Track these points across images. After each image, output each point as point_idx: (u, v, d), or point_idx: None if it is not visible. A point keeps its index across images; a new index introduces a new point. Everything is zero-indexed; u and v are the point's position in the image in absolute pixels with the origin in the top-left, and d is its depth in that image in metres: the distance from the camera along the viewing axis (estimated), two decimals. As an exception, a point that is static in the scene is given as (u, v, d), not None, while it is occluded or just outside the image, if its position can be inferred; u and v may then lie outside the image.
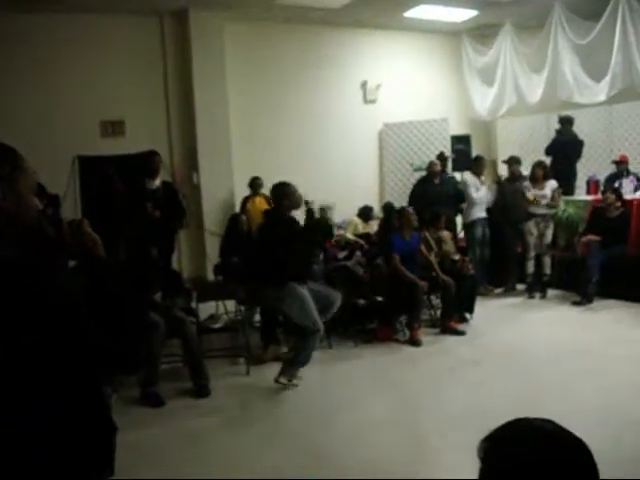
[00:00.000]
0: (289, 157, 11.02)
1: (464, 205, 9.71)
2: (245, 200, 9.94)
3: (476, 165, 9.87)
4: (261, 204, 9.40)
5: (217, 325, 7.00)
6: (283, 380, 6.05)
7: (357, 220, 9.98)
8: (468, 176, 9.88)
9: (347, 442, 4.86)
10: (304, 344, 6.03)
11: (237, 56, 10.82)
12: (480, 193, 9.58)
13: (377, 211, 10.52)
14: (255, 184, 9.88)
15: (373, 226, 9.72)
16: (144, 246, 6.59)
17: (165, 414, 5.59)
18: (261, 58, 11.08)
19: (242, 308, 7.71)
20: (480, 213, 9.62)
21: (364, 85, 12.15)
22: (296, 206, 6.19)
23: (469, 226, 9.73)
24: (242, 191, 10.16)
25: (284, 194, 6.06)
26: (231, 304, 7.64)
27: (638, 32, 9.61)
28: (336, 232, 9.13)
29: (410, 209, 7.98)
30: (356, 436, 4.96)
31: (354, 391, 5.98)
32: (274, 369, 6.25)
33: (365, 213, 10.11)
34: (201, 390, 5.99)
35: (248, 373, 6.56)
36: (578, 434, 1.44)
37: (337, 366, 6.79)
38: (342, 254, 8.53)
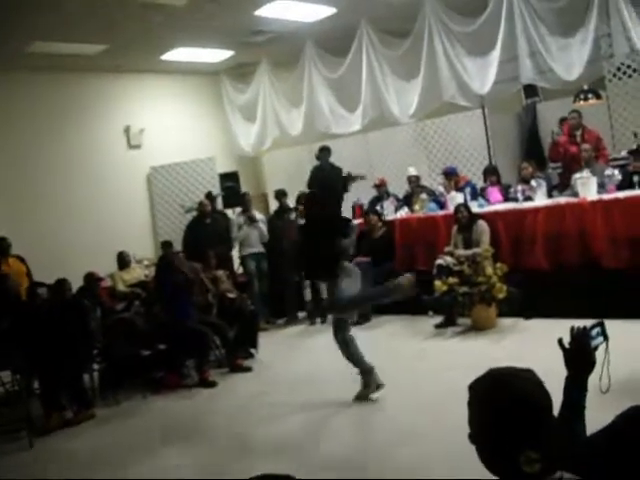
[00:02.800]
0: (53, 208, 10.61)
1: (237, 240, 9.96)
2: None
3: (242, 202, 10.24)
4: (16, 265, 8.81)
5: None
6: (370, 393, 6.02)
7: (117, 273, 9.41)
8: (234, 215, 10.24)
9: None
10: (347, 350, 6.10)
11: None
12: (242, 232, 9.97)
13: (152, 255, 10.38)
14: (2, 246, 9.11)
15: (137, 271, 9.55)
16: None
17: None
18: (14, 109, 10.55)
19: (18, 377, 7.20)
20: (250, 248, 9.95)
21: (127, 130, 11.94)
22: None
23: (242, 261, 10.06)
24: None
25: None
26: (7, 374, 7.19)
27: (382, 66, 10.32)
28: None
29: (181, 255, 7.98)
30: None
31: (146, 444, 5.83)
32: (61, 438, 5.97)
33: (120, 261, 9.57)
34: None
35: (32, 446, 6.14)
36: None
37: (128, 423, 6.57)
38: (120, 306, 8.32)
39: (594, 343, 2.20)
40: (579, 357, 2.16)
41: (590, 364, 2.17)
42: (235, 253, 10.30)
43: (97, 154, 11.48)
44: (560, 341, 2.20)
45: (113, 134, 11.80)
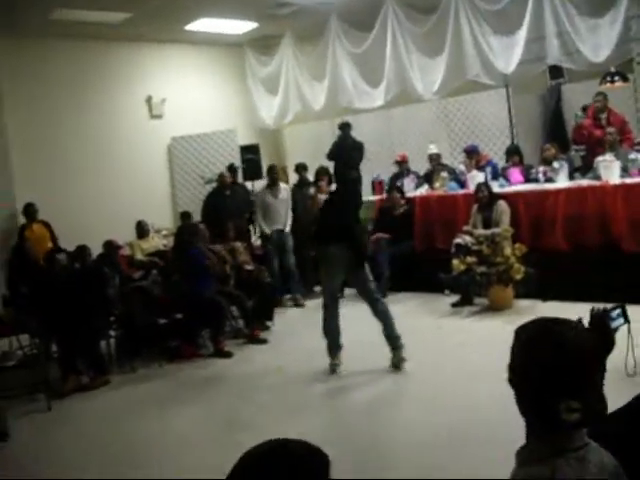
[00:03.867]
0: (76, 176, 10.71)
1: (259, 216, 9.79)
2: (22, 229, 9.42)
3: (270, 175, 9.92)
4: (40, 231, 8.94)
5: (11, 363, 6.59)
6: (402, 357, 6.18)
7: (135, 241, 9.41)
8: (259, 190, 10.04)
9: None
10: (384, 319, 6.26)
11: (13, 74, 10.29)
12: (266, 207, 9.66)
13: (171, 225, 10.42)
14: (29, 211, 9.37)
15: (155, 240, 9.60)
16: None
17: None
18: (40, 75, 10.57)
19: (37, 341, 7.31)
20: (274, 225, 9.61)
21: (149, 100, 11.97)
22: None
23: (264, 238, 9.78)
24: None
25: None
26: (25, 337, 7.25)
27: (406, 42, 10.22)
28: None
29: (202, 226, 8.00)
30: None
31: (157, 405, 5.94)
32: (77, 401, 6.08)
33: (139, 231, 9.59)
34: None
35: (50, 409, 6.22)
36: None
37: (141, 387, 6.68)
38: (138, 274, 8.37)
39: (614, 324, 2.18)
40: (598, 337, 2.14)
41: (610, 344, 2.15)
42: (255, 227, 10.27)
43: (119, 123, 11.55)
44: (579, 321, 2.19)
45: (135, 103, 11.84)
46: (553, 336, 1.64)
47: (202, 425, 5.58)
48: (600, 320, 2.16)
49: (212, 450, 4.89)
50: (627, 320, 2.24)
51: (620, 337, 2.22)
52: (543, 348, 1.62)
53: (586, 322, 2.17)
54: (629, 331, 2.24)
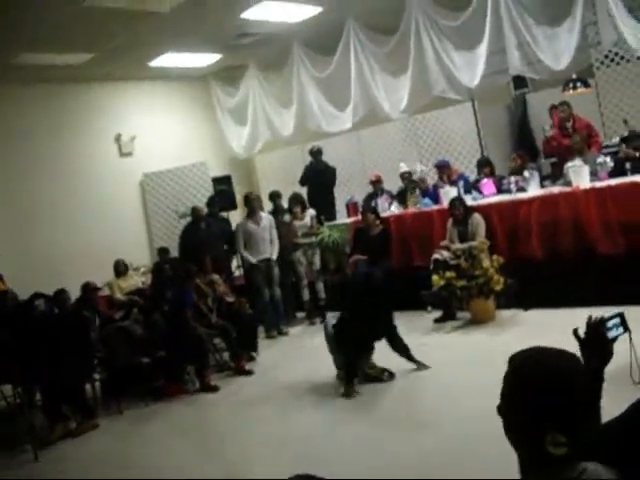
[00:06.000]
0: (45, 220, 10.69)
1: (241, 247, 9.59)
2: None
3: (248, 204, 9.60)
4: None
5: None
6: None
7: (114, 281, 9.29)
8: (241, 220, 9.87)
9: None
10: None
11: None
12: (248, 237, 9.37)
13: (148, 262, 10.37)
14: None
15: (134, 278, 9.53)
16: None
17: None
18: (4, 122, 10.53)
19: (19, 390, 7.18)
20: (260, 254, 9.33)
21: (118, 138, 11.96)
22: None
23: (249, 269, 9.54)
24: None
25: None
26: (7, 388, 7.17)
27: (370, 63, 10.31)
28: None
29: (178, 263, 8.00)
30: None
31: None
32: (66, 448, 5.97)
33: (117, 269, 9.43)
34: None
35: (37, 459, 6.09)
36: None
37: (131, 430, 6.58)
38: (118, 314, 8.30)
39: (612, 334, 2.16)
40: (595, 348, 2.13)
41: (607, 355, 2.14)
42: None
43: (89, 163, 11.51)
44: (575, 331, 2.17)
45: (104, 143, 11.82)
46: (547, 367, 1.63)
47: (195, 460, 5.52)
48: (596, 330, 2.15)
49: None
50: (627, 329, 2.21)
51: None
52: (531, 379, 1.62)
53: (582, 332, 2.17)
54: (630, 339, 2.20)
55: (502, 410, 1.68)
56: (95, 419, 6.82)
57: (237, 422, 6.22)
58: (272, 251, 9.42)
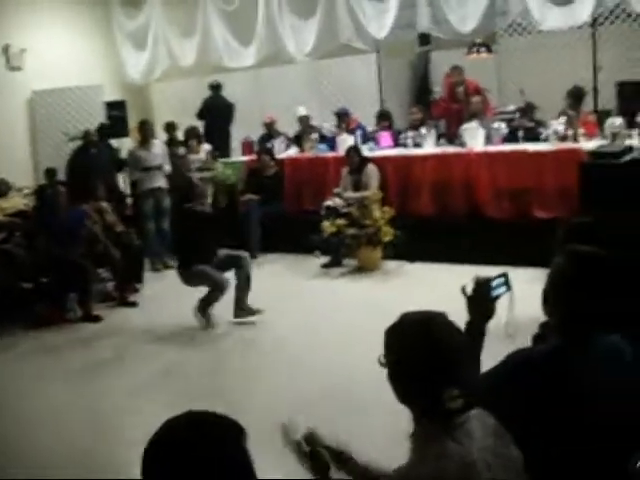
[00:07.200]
0: None
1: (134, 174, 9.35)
2: None
3: (142, 131, 9.30)
4: None
5: None
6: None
7: None
8: (132, 148, 9.57)
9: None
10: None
11: None
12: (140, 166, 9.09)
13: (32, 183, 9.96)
14: None
15: (16, 200, 9.14)
16: None
17: None
18: None
19: None
20: (150, 183, 9.08)
21: (6, 49, 11.20)
22: None
23: (138, 197, 9.32)
24: None
25: None
26: None
27: (280, 3, 10.16)
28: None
29: (61, 187, 7.71)
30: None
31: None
32: None
33: None
34: None
35: None
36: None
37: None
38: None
39: (495, 293, 2.30)
40: (479, 305, 2.28)
41: (488, 312, 2.29)
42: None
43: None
44: (463, 289, 2.30)
45: (-10, 53, 11.09)
46: (425, 333, 1.80)
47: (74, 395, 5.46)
48: (480, 289, 2.28)
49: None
50: (509, 288, 2.34)
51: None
52: (417, 345, 1.79)
53: (469, 290, 2.29)
54: (511, 298, 2.35)
55: (393, 377, 1.84)
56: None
57: (118, 354, 6.19)
58: (163, 181, 9.21)
